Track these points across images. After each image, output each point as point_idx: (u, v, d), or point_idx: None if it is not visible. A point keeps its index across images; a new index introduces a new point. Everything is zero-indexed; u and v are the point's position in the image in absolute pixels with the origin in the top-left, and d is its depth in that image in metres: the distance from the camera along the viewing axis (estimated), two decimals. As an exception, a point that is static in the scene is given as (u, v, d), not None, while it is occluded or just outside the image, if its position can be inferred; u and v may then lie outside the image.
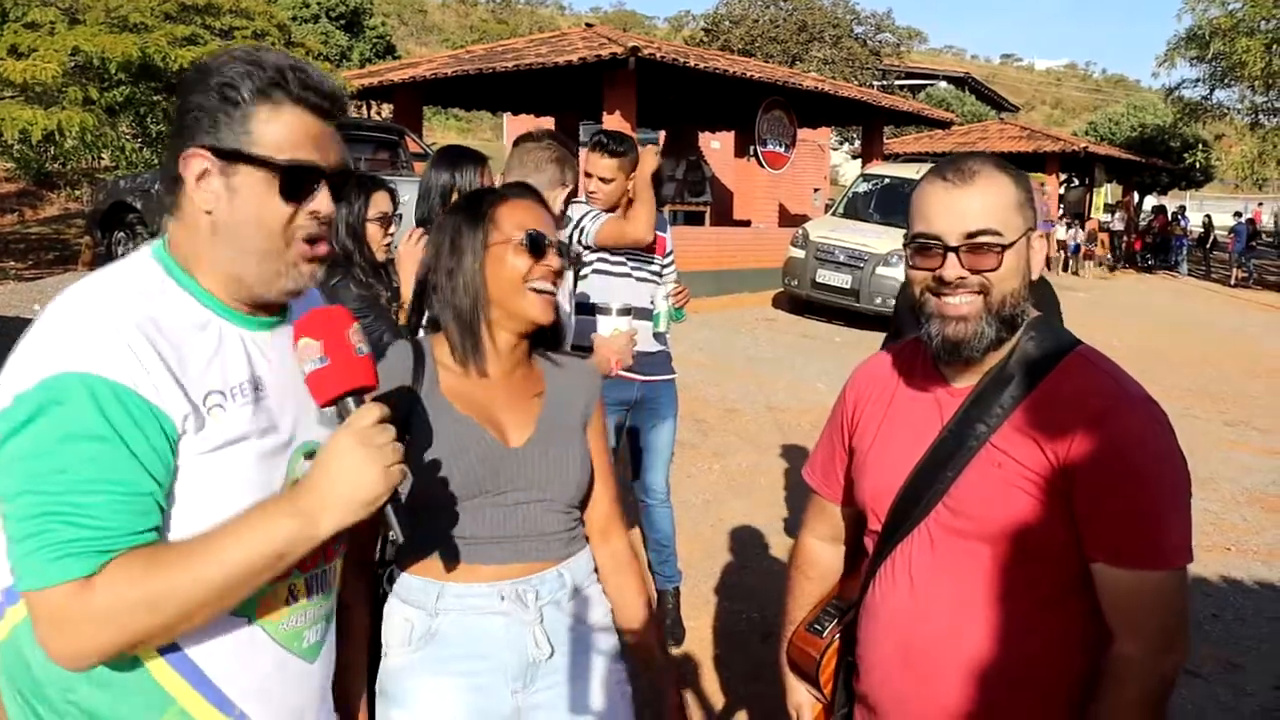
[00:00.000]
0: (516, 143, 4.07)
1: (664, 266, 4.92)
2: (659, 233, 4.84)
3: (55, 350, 1.43)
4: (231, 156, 1.54)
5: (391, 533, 1.63)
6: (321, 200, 1.62)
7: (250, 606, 1.59)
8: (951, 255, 1.89)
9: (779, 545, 6.38)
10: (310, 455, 1.65)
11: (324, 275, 3.48)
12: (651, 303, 4.51)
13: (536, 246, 2.15)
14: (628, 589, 2.34)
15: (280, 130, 1.56)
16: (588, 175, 4.65)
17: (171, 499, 1.51)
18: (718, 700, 4.49)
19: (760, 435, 9.02)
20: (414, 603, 2.12)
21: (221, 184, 1.55)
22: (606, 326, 3.52)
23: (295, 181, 1.58)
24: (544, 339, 2.30)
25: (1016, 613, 1.89)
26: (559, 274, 2.19)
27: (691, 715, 2.33)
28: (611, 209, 4.68)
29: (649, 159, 4.53)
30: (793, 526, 6.55)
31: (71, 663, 1.44)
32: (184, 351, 1.50)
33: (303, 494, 1.52)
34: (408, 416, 2.08)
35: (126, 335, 1.45)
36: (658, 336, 4.68)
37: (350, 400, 1.61)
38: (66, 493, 1.39)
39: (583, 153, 4.65)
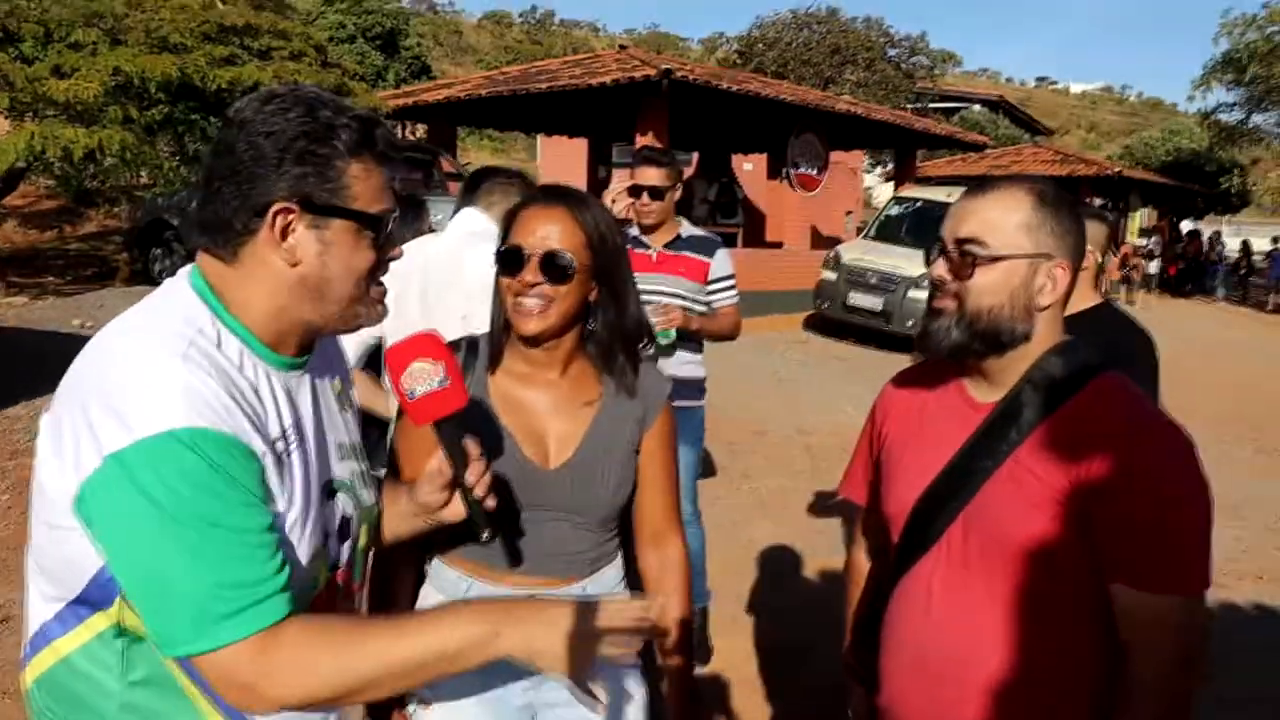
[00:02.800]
0: (484, 176, 4.01)
1: (710, 292, 4.83)
2: (697, 256, 4.81)
3: (147, 406, 1.39)
4: (327, 211, 1.55)
5: (484, 533, 1.78)
6: (396, 245, 1.67)
7: None
8: (941, 257, 1.95)
9: (808, 566, 6.38)
10: (333, 493, 1.67)
11: None
12: None
13: (505, 261, 2.13)
14: (668, 597, 2.33)
15: (370, 185, 1.58)
16: (634, 192, 4.68)
17: None
18: (748, 716, 4.49)
19: (789, 458, 9.02)
20: (446, 591, 2.20)
21: (313, 237, 1.55)
22: None
23: (385, 232, 1.62)
24: (611, 344, 2.23)
25: (1033, 631, 1.90)
26: (535, 286, 2.09)
27: None
28: (659, 225, 4.73)
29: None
30: (821, 548, 6.55)
31: (251, 712, 1.47)
32: (249, 397, 1.50)
33: (500, 610, 1.55)
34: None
35: (208, 384, 1.43)
36: (659, 352, 4.55)
37: (446, 423, 1.74)
38: (204, 550, 1.38)
39: (616, 176, 4.69)
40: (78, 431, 1.41)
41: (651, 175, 4.68)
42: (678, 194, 4.84)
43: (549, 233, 2.11)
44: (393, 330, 2.79)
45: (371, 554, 1.85)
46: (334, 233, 1.56)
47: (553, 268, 2.09)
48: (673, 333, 4.53)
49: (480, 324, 2.31)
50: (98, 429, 1.39)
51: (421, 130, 24.60)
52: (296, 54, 15.94)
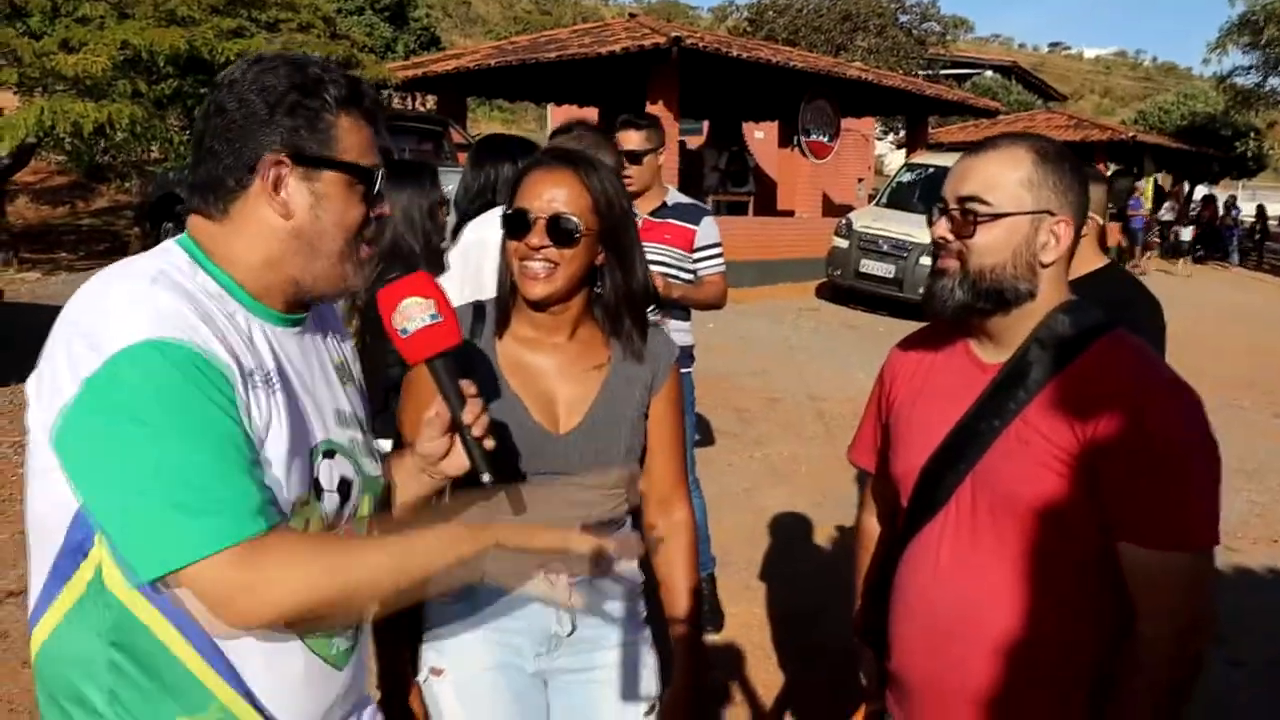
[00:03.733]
0: (551, 137, 4.10)
1: (698, 261, 4.78)
2: (683, 224, 4.76)
3: (115, 325, 1.41)
4: (319, 163, 1.58)
5: (485, 476, 1.76)
6: (384, 202, 1.69)
7: None
8: (943, 216, 1.94)
9: (820, 533, 6.39)
10: (329, 454, 1.66)
11: (384, 267, 3.46)
12: None
13: (512, 224, 2.12)
14: (674, 562, 2.34)
15: (359, 138, 1.62)
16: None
17: None
18: (761, 686, 4.50)
19: (801, 424, 9.02)
20: None
21: (305, 189, 1.58)
22: None
23: (375, 188, 1.64)
24: (618, 308, 2.22)
25: (1041, 591, 1.89)
26: (541, 249, 2.08)
27: (691, 688, 2.32)
28: (641, 191, 4.68)
29: None
30: (832, 514, 6.55)
31: (245, 625, 1.46)
32: (223, 324, 1.51)
33: (493, 529, 1.64)
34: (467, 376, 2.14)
35: (176, 302, 1.45)
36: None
37: (440, 361, 1.74)
38: (179, 459, 1.37)
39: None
40: (56, 368, 1.43)
41: (631, 139, 4.61)
42: (660, 159, 4.78)
43: (555, 195, 2.09)
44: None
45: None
46: (326, 185, 1.59)
47: (558, 231, 2.07)
48: None
49: None
50: (72, 359, 1.41)
51: (431, 101, 24.56)
52: (305, 25, 15.92)
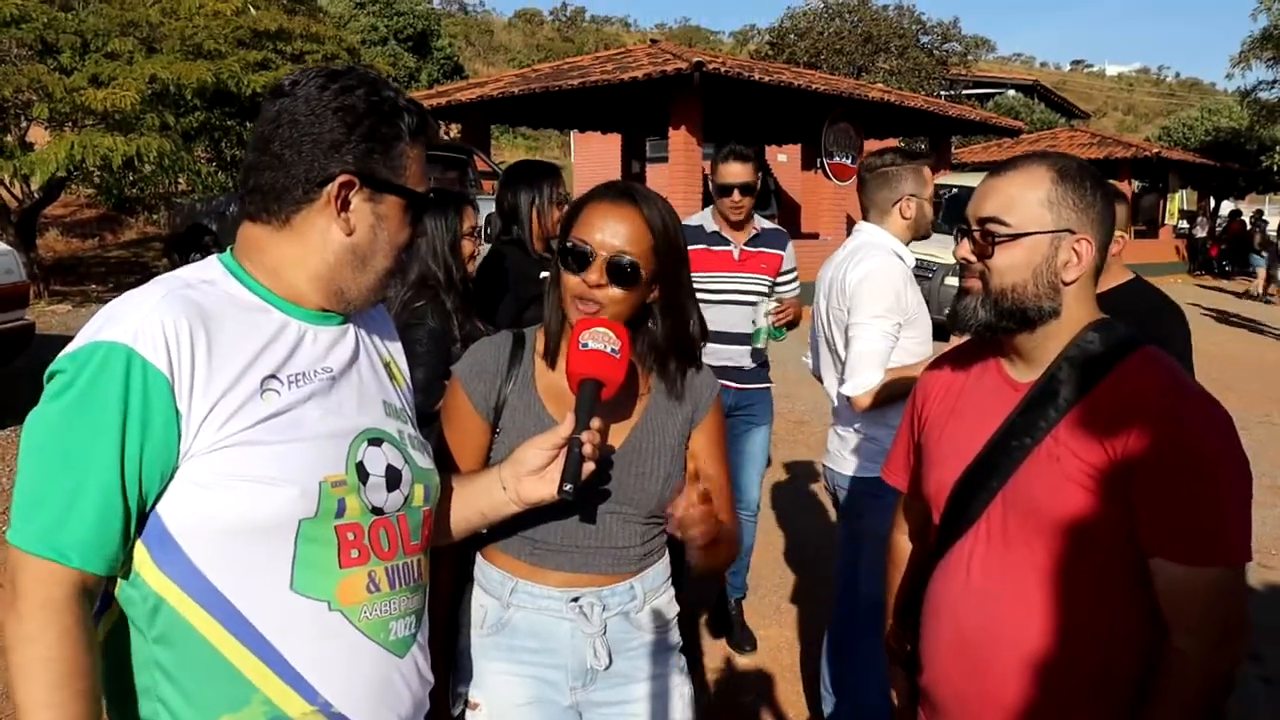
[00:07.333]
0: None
1: (776, 285, 4.88)
2: (772, 250, 4.87)
3: (97, 322, 1.50)
4: (385, 187, 1.65)
5: (566, 486, 1.87)
6: (421, 224, 1.78)
7: (329, 591, 1.60)
8: (965, 238, 1.98)
9: (849, 555, 6.36)
10: (374, 441, 1.70)
11: (411, 295, 3.54)
12: (753, 321, 4.59)
13: (570, 260, 2.07)
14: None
15: (419, 168, 1.71)
16: (724, 190, 4.68)
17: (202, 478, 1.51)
18: (792, 709, 4.49)
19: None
20: (491, 591, 2.20)
21: (368, 210, 1.66)
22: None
23: (423, 211, 1.75)
24: (665, 349, 2.18)
25: (1072, 607, 1.90)
26: (599, 288, 2.04)
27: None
28: (745, 221, 4.78)
29: None
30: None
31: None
32: (232, 340, 1.55)
33: None
34: (500, 408, 2.15)
35: (172, 317, 1.49)
36: (754, 351, 4.80)
37: (590, 384, 1.92)
38: (63, 486, 1.44)
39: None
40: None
41: (740, 172, 4.66)
42: (757, 188, 4.84)
43: (617, 232, 2.05)
44: None
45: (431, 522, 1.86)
46: (387, 208, 1.67)
47: (618, 271, 2.04)
48: (784, 330, 4.69)
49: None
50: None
51: (456, 129, 24.71)
52: (330, 57, 16.06)
